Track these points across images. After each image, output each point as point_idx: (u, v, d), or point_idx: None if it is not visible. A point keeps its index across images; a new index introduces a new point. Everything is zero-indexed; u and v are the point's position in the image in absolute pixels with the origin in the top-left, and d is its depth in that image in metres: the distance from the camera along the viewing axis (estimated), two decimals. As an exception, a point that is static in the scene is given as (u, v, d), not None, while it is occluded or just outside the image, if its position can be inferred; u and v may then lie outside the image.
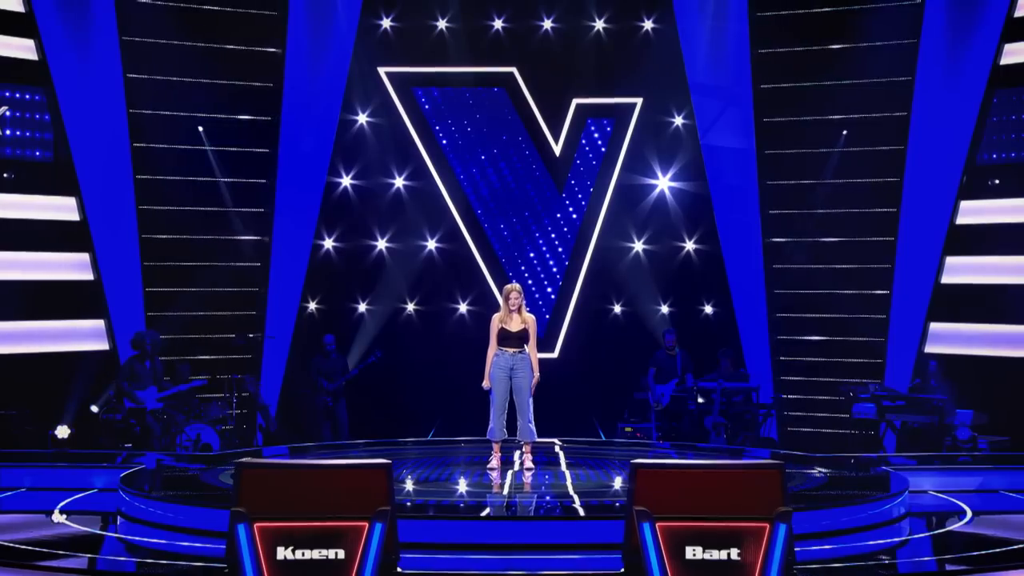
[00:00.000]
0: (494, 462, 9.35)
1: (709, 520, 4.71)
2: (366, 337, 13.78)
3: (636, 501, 4.76)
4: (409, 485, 8.76)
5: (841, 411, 12.26)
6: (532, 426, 9.23)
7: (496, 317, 9.23)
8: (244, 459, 4.87)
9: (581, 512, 7.78)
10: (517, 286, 9.22)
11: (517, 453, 9.80)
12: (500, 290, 13.47)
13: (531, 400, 9.21)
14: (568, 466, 10.05)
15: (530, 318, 9.24)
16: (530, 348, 9.22)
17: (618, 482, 8.98)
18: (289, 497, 4.76)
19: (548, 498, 8.45)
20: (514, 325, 9.12)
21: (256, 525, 4.66)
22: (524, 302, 9.26)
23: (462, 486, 8.91)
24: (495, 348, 9.17)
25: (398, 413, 13.45)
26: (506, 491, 8.58)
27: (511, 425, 9.32)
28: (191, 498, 8.15)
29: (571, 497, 8.39)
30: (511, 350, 9.13)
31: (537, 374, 9.23)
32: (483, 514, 7.64)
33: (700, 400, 12.50)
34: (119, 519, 8.11)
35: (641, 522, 4.69)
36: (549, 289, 14.07)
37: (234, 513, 4.66)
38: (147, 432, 11.30)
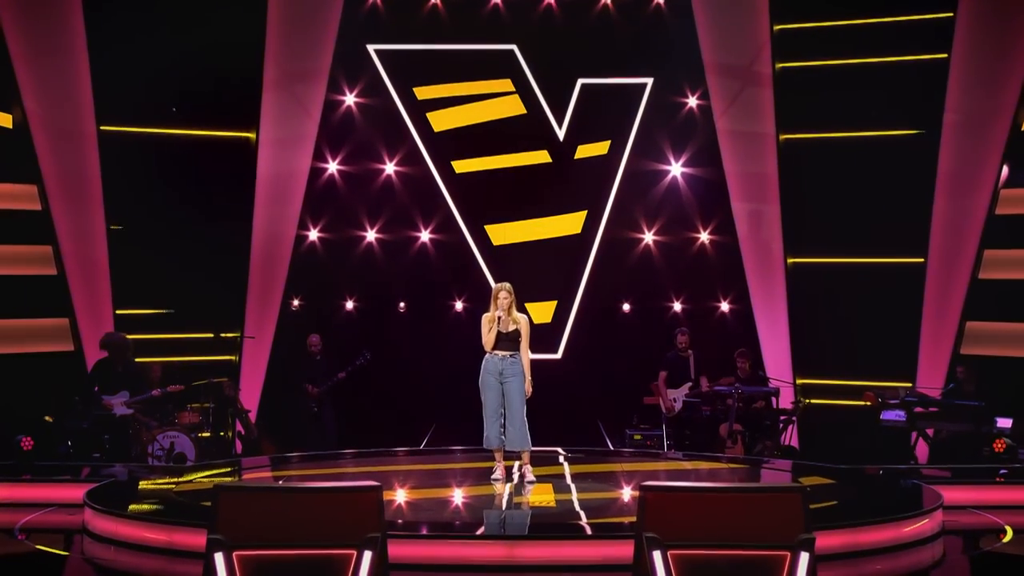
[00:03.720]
0: (499, 472, 9.38)
1: (725, 548, 4.70)
2: (354, 337, 13.75)
3: (646, 527, 4.75)
4: (400, 499, 8.76)
5: (869, 418, 12.24)
6: (526, 432, 9.27)
7: (486, 318, 9.33)
8: (223, 482, 4.87)
9: (588, 530, 7.77)
10: (507, 285, 9.30)
11: (516, 464, 9.80)
12: (497, 281, 13.61)
13: (524, 406, 9.26)
14: (573, 478, 10.04)
15: (522, 318, 9.33)
16: (522, 351, 9.32)
17: (627, 495, 8.99)
18: (271, 523, 4.75)
19: (551, 514, 8.43)
20: (505, 326, 9.21)
21: (235, 553, 4.66)
22: (514, 300, 9.30)
23: (457, 500, 8.90)
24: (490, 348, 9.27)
25: (389, 419, 13.46)
26: (505, 506, 8.57)
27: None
28: (164, 514, 8.13)
29: (577, 513, 8.39)
30: (501, 353, 9.25)
31: (529, 378, 9.32)
32: (479, 532, 7.63)
33: (715, 405, 12.50)
34: (85, 538, 8.10)
35: (652, 550, 4.69)
36: (552, 285, 14.03)
37: (211, 540, 4.65)
38: (116, 441, 11.29)
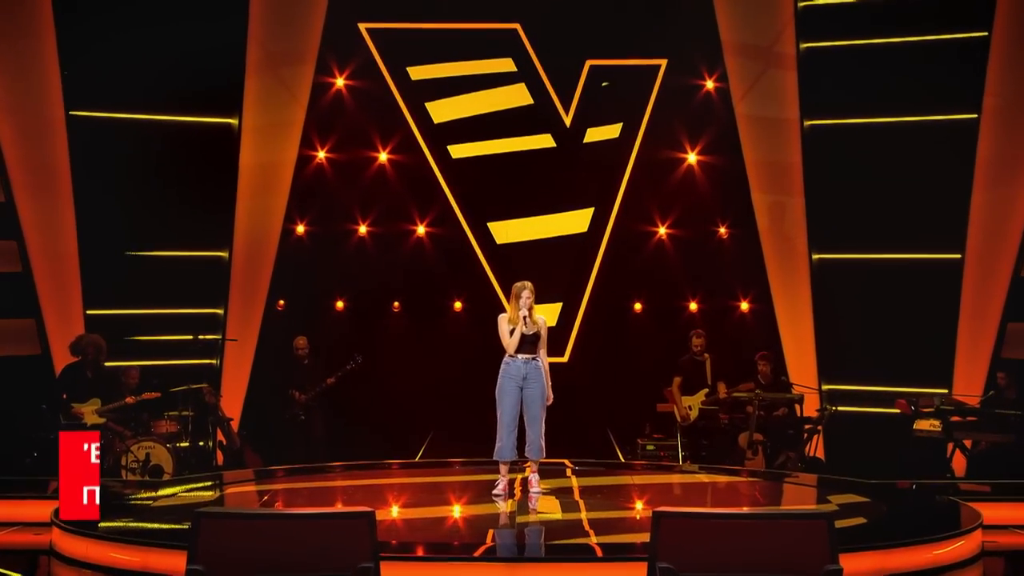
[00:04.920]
0: (501, 487, 9.39)
1: (747, 580, 4.70)
2: (344, 339, 13.73)
3: (660, 556, 4.74)
4: (395, 516, 8.75)
5: (901, 427, 12.21)
6: (542, 442, 9.32)
7: (504, 318, 9.32)
8: (203, 508, 4.85)
9: (597, 551, 7.76)
10: (529, 283, 9.30)
11: (520, 477, 9.80)
12: (500, 283, 13.61)
13: (544, 413, 9.29)
14: (581, 493, 10.04)
15: (542, 320, 9.38)
16: (542, 354, 9.36)
17: (640, 509, 8.99)
18: (255, 552, 4.73)
19: (557, 532, 8.42)
20: (528, 327, 9.22)
21: (216, 585, 4.65)
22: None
23: (456, 517, 8.89)
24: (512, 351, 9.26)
25: (382, 428, 13.44)
26: (508, 524, 8.55)
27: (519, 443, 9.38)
28: (139, 534, 8.11)
29: (585, 531, 8.38)
30: (524, 356, 9.26)
31: (550, 383, 9.36)
32: (477, 553, 7.62)
33: (734, 413, 12.47)
34: (52, 560, 8.08)
35: (667, 582, 4.68)
36: (557, 285, 14.01)
37: (191, 572, 4.64)
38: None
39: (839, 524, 6.82)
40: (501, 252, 13.97)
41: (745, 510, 8.29)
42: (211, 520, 4.80)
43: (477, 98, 14.03)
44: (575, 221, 14.06)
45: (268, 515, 5.40)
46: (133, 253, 13.11)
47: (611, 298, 14.06)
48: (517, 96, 14.01)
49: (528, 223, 14.04)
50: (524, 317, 9.18)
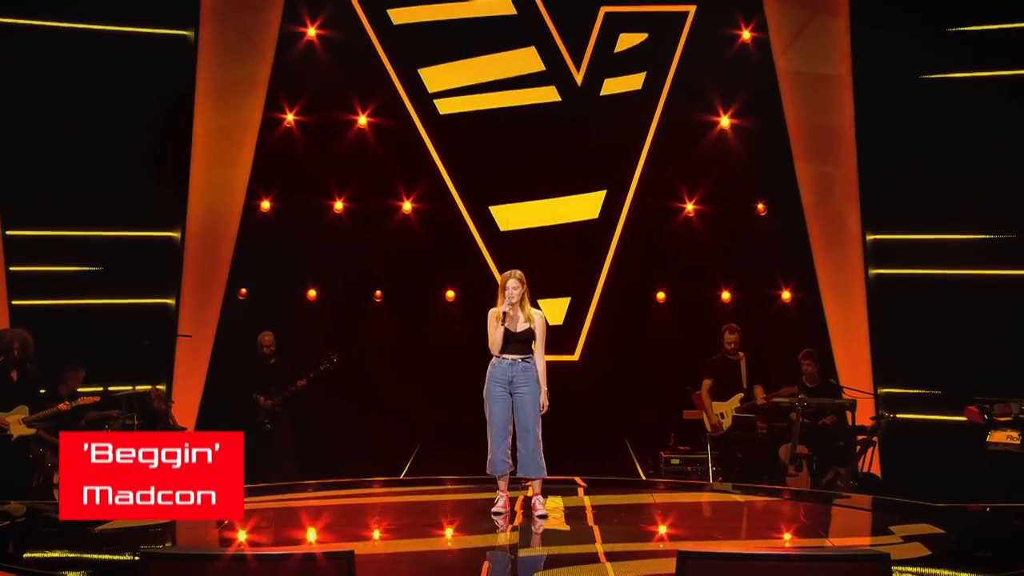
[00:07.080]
0: (501, 503, 9.44)
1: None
2: (318, 334, 13.72)
3: (689, 606, 4.62)
4: (375, 544, 8.62)
5: (972, 439, 12.09)
6: (540, 457, 9.33)
7: (493, 313, 9.40)
8: (150, 548, 4.72)
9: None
10: (518, 273, 9.39)
11: (523, 496, 9.72)
12: (500, 271, 13.50)
13: (538, 422, 9.29)
14: (595, 517, 9.96)
15: (537, 315, 9.47)
16: (537, 356, 9.43)
17: (664, 533, 8.95)
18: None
19: (566, 562, 8.29)
20: (517, 324, 9.31)
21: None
22: (527, 292, 9.35)
23: (448, 546, 8.78)
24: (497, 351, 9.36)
25: (362, 439, 13.48)
26: (508, 552, 8.46)
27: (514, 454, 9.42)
28: (75, 566, 8.00)
29: (599, 562, 8.26)
30: (512, 356, 9.36)
31: (546, 389, 9.39)
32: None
33: (774, 422, 12.39)
34: (-28, 599, 7.98)
35: (699, 638, 4.56)
36: (565, 276, 13.94)
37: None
38: (13, 470, 11.20)
39: (896, 555, 6.71)
40: (503, 238, 13.95)
41: (786, 547, 8.16)
42: (159, 563, 4.68)
43: (479, 64, 13.95)
44: (587, 203, 14.00)
45: (228, 556, 5.27)
46: (68, 234, 13.02)
47: (629, 286, 14.15)
48: (527, 62, 13.96)
49: (534, 206, 14.02)
50: (504, 313, 9.23)
